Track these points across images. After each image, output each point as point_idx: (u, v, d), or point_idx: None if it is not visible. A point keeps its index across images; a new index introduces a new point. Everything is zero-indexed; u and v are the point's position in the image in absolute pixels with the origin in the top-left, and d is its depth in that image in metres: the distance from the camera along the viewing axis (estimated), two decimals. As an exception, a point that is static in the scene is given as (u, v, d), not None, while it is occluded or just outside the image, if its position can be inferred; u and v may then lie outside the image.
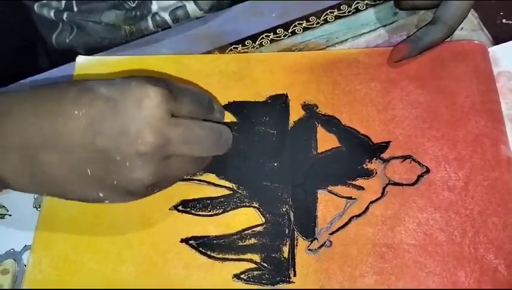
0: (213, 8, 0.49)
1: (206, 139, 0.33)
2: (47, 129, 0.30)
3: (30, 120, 0.30)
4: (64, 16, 0.51)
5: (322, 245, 0.35)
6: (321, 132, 0.38)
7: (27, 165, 0.31)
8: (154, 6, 0.50)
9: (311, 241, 0.35)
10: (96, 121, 0.30)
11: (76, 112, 0.30)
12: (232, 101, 0.40)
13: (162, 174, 0.32)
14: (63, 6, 0.51)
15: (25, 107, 0.31)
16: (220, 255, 0.35)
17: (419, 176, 0.36)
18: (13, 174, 0.31)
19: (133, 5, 0.50)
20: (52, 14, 0.52)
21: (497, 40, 0.41)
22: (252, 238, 0.35)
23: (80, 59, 0.43)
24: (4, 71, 0.45)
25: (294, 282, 0.34)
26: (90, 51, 0.52)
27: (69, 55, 0.54)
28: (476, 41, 0.40)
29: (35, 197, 0.38)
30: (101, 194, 0.32)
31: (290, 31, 0.44)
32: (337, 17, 0.44)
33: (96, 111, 0.30)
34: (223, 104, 0.40)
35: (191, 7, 0.48)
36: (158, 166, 0.31)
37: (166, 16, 0.49)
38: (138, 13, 0.50)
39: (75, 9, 0.51)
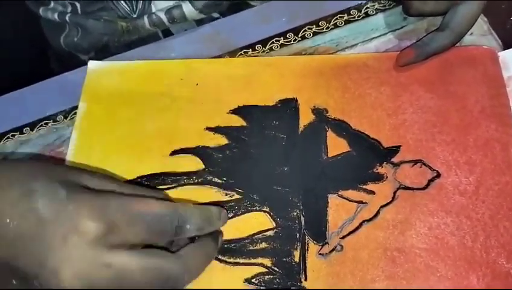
0: (208, 8, 0.49)
1: (143, 283, 0.28)
2: None
3: None
4: (67, 17, 0.52)
5: (333, 249, 0.35)
6: (331, 136, 0.39)
7: None
8: (153, 8, 0.50)
9: (322, 246, 0.35)
10: (22, 239, 0.28)
11: (8, 221, 0.28)
12: (241, 105, 0.41)
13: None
14: (69, 9, 0.52)
15: None
16: (231, 260, 0.35)
17: (430, 180, 0.36)
18: None
19: (135, 15, 0.50)
20: (56, 16, 0.52)
21: (507, 44, 0.41)
22: (263, 243, 0.35)
23: (91, 64, 0.44)
24: (17, 76, 0.46)
25: (305, 286, 0.34)
26: (95, 52, 0.53)
27: (77, 60, 0.55)
28: (486, 46, 0.41)
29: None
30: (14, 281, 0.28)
31: (300, 35, 0.44)
32: (347, 22, 0.44)
33: (26, 228, 0.28)
34: (232, 108, 0.40)
35: (186, 7, 0.49)
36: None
37: (162, 15, 0.49)
38: (137, 16, 0.51)
39: (80, 11, 0.51)
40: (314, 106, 0.40)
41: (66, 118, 0.42)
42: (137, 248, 0.29)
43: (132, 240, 0.29)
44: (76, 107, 0.42)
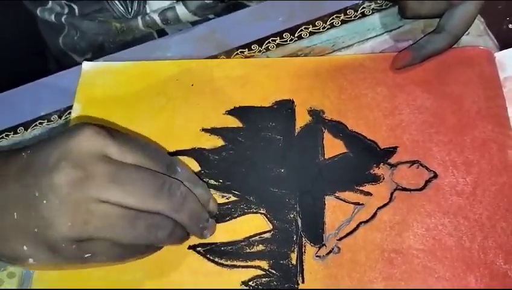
0: (201, 10, 0.49)
1: (143, 185, 0.28)
2: None
3: None
4: (63, 18, 0.51)
5: (330, 251, 0.34)
6: (328, 137, 0.38)
7: None
8: (148, 9, 0.50)
9: (319, 248, 0.35)
10: (30, 157, 0.29)
11: (23, 154, 0.29)
12: (237, 106, 0.40)
13: (85, 226, 0.27)
14: (66, 11, 0.52)
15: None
16: (228, 262, 0.35)
17: (427, 181, 0.36)
18: None
19: (130, 16, 0.50)
20: (53, 17, 0.52)
21: (503, 45, 0.41)
22: (260, 245, 0.35)
23: (86, 65, 0.43)
24: (11, 75, 0.45)
25: (302, 289, 0.33)
26: (92, 53, 0.53)
27: (75, 60, 0.55)
28: (482, 47, 0.41)
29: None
30: (25, 247, 0.28)
31: (296, 35, 0.44)
32: (343, 22, 0.44)
33: (36, 146, 0.29)
34: (228, 109, 0.40)
35: (180, 9, 0.48)
36: (78, 210, 0.27)
37: (156, 17, 0.49)
38: (132, 16, 0.50)
39: (77, 12, 0.51)
40: (310, 107, 0.40)
41: (60, 117, 0.42)
42: None
43: (129, 155, 0.29)
44: (71, 107, 0.41)
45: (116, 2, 0.49)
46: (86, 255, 0.29)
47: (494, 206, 0.35)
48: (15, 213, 0.28)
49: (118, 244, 0.29)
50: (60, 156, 0.27)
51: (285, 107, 0.40)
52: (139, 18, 0.49)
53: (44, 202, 0.27)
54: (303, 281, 0.34)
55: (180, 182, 0.31)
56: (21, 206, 0.28)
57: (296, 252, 0.35)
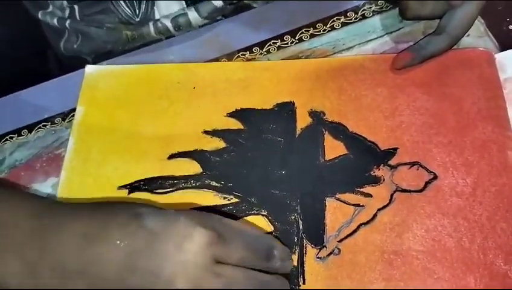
0: (213, 15, 0.49)
1: None
2: (86, 254, 0.28)
3: (73, 242, 0.29)
4: (67, 23, 0.51)
5: (330, 253, 0.35)
6: (328, 139, 0.39)
7: (58, 288, 0.28)
8: (157, 14, 0.50)
9: (320, 249, 0.35)
10: (132, 256, 0.28)
11: (118, 242, 0.28)
12: (239, 108, 0.41)
13: None
14: (67, 14, 0.52)
15: (72, 228, 0.29)
16: (229, 263, 0.35)
17: (427, 183, 0.36)
18: None
19: (137, 19, 0.50)
20: (55, 21, 0.52)
21: (504, 46, 0.41)
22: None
23: (89, 68, 0.44)
24: (16, 77, 0.46)
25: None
26: (97, 56, 0.53)
27: (79, 62, 0.55)
28: (482, 48, 0.41)
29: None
30: None
31: (297, 38, 0.44)
32: (344, 24, 0.44)
33: (137, 244, 0.28)
34: (229, 111, 0.41)
35: (192, 15, 0.49)
36: None
37: (168, 23, 0.49)
38: (140, 19, 0.50)
39: (78, 17, 0.51)
40: (311, 109, 0.40)
41: (64, 120, 0.43)
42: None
43: (234, 255, 0.29)
44: (74, 110, 0.42)
45: (122, 2, 0.50)
46: None
47: (494, 207, 0.35)
48: None
49: None
50: (173, 269, 0.27)
51: (286, 109, 0.40)
52: (151, 24, 0.49)
53: None
54: (304, 282, 0.34)
55: (284, 282, 0.32)
56: None
57: (297, 254, 0.35)
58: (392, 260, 0.34)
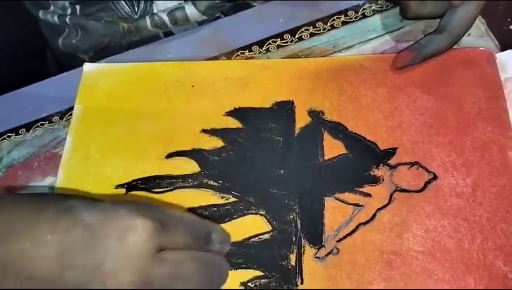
0: (211, 11, 0.49)
1: (196, 275, 0.29)
2: (12, 252, 0.27)
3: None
4: (67, 19, 0.51)
5: (329, 253, 0.34)
6: (327, 138, 0.38)
7: None
8: (154, 9, 0.50)
9: (319, 249, 0.35)
10: (68, 252, 0.27)
11: (49, 237, 0.27)
12: (238, 107, 0.40)
13: None
14: (68, 12, 0.52)
15: None
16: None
17: (427, 183, 0.36)
18: None
19: (136, 16, 0.50)
20: (56, 18, 0.52)
21: (504, 46, 0.41)
22: (259, 246, 0.35)
23: (87, 67, 0.44)
24: (14, 77, 0.46)
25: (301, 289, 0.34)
26: (95, 53, 0.53)
27: (76, 60, 0.55)
28: (483, 48, 0.40)
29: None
30: None
31: (296, 36, 0.44)
32: (344, 23, 0.44)
33: (72, 240, 0.27)
34: (228, 110, 0.40)
35: (189, 9, 0.48)
36: None
37: (165, 17, 0.49)
38: (139, 17, 0.50)
39: (79, 13, 0.51)
40: (310, 109, 0.40)
41: (62, 119, 0.42)
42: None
43: (177, 241, 0.29)
44: (72, 108, 0.42)
45: (122, 2, 0.50)
46: None
47: (494, 207, 0.34)
48: None
49: None
50: (116, 261, 0.27)
51: (285, 108, 0.40)
52: (148, 18, 0.49)
53: None
54: (302, 282, 0.34)
55: (224, 262, 0.33)
56: None
57: (295, 253, 0.35)
58: (392, 260, 0.34)
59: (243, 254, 0.35)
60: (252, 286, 0.34)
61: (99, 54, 0.52)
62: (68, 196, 0.31)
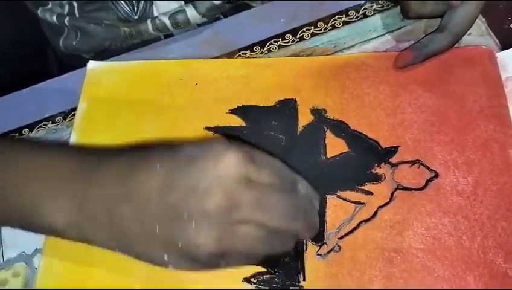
0: (211, 13, 0.49)
1: (283, 209, 0.30)
2: (129, 183, 0.30)
3: (117, 174, 0.30)
4: (66, 20, 0.52)
5: (331, 250, 0.35)
6: (330, 136, 0.39)
7: (106, 217, 0.30)
8: (155, 12, 0.50)
9: (321, 246, 0.35)
10: (172, 176, 0.29)
11: (158, 166, 0.29)
12: (240, 105, 0.41)
13: (229, 243, 0.29)
14: (66, 11, 0.52)
15: (114, 162, 0.31)
16: (230, 259, 0.35)
17: (428, 181, 0.36)
18: (92, 225, 0.30)
19: (136, 17, 0.50)
20: (54, 18, 0.52)
21: (505, 45, 0.41)
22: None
23: (91, 65, 0.44)
24: (16, 76, 0.46)
25: (303, 286, 0.34)
26: (96, 54, 0.53)
27: (78, 60, 0.55)
28: (484, 47, 0.41)
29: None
30: (165, 257, 0.29)
31: (298, 36, 0.44)
32: (345, 23, 0.44)
33: (175, 165, 0.29)
34: (231, 108, 0.41)
35: (190, 12, 0.49)
36: (224, 232, 0.28)
37: (166, 20, 0.49)
38: (138, 16, 0.50)
39: (77, 14, 0.51)
40: (313, 107, 0.40)
41: (65, 119, 0.43)
42: None
43: (264, 178, 0.30)
44: (75, 109, 0.42)
45: (122, 1, 0.50)
46: (222, 263, 0.30)
47: (495, 205, 0.35)
48: (157, 226, 0.29)
49: (252, 256, 0.31)
50: (210, 182, 0.28)
51: (288, 107, 0.40)
52: (149, 21, 0.49)
53: (193, 223, 0.28)
54: (304, 279, 0.34)
55: (311, 205, 0.32)
56: (165, 222, 0.29)
57: (297, 250, 0.35)
58: (392, 257, 0.34)
59: (246, 251, 0.35)
60: (254, 281, 0.34)
61: (101, 55, 0.52)
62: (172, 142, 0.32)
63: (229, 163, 0.29)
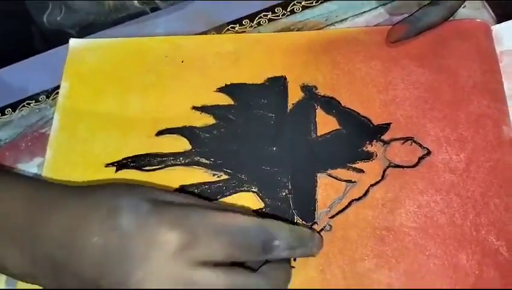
0: None
1: None
2: (70, 250, 0.28)
3: (60, 234, 0.28)
4: None
5: (322, 229, 0.34)
6: (320, 114, 0.38)
7: (52, 273, 0.29)
8: None
9: (311, 225, 0.34)
10: (107, 257, 0.27)
11: (96, 239, 0.27)
12: (229, 83, 0.40)
13: None
14: None
15: (61, 216, 0.29)
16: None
17: (420, 158, 0.35)
18: (43, 278, 0.29)
19: None
20: None
21: (500, 18, 0.40)
22: (251, 223, 0.35)
23: (73, 42, 0.42)
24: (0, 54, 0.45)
25: (294, 266, 0.33)
26: (81, 29, 0.52)
27: (63, 36, 0.53)
28: (479, 20, 0.40)
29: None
30: None
31: (288, 10, 0.43)
32: (337, -4, 0.43)
33: (111, 244, 0.27)
34: (219, 86, 0.39)
35: None
36: None
37: None
38: None
39: None
40: (303, 84, 0.39)
41: (48, 97, 0.41)
42: (221, 266, 0.28)
43: (216, 254, 0.27)
44: (59, 87, 0.41)
45: None
46: None
47: (488, 183, 0.34)
48: None
49: None
50: (143, 276, 0.26)
51: (278, 84, 0.39)
52: None
53: None
54: (295, 259, 0.34)
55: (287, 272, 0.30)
56: None
57: (287, 230, 0.34)
58: (384, 236, 0.33)
59: (235, 231, 0.35)
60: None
61: (85, 30, 0.51)
62: (120, 190, 0.30)
63: (163, 254, 0.26)
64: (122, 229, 0.27)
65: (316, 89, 0.39)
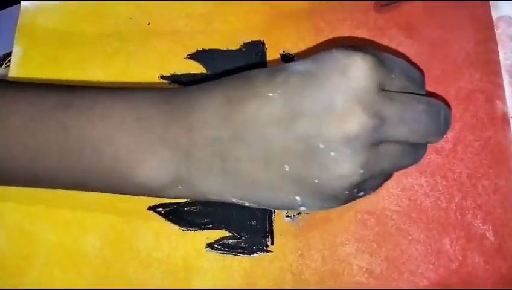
0: None
1: (426, 118, 0.26)
2: (238, 118, 0.25)
3: (219, 110, 0.26)
4: None
5: (300, 212, 0.32)
6: (301, 86, 0.35)
7: (218, 163, 0.26)
8: None
9: (289, 208, 0.32)
10: (293, 100, 0.24)
11: (270, 94, 0.25)
12: (200, 49, 0.36)
13: (373, 168, 0.25)
14: None
15: (213, 97, 0.26)
16: (192, 224, 0.32)
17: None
18: (203, 175, 0.27)
19: None
20: None
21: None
22: (226, 205, 0.33)
23: (25, 3, 0.37)
24: None
25: (272, 251, 0.32)
26: None
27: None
28: (475, -18, 0.36)
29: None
30: (297, 198, 0.26)
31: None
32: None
33: (293, 89, 0.25)
34: (190, 52, 0.36)
35: None
36: (370, 156, 0.25)
37: None
38: None
39: None
40: (283, 51, 0.36)
41: (0, 66, 0.37)
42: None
43: (396, 82, 0.26)
44: (11, 54, 0.36)
45: None
46: (359, 194, 0.27)
47: (476, 163, 0.32)
48: (286, 165, 0.25)
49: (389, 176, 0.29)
50: (345, 98, 0.24)
51: (255, 50, 0.36)
52: None
53: (333, 154, 0.24)
54: (272, 243, 0.32)
55: (445, 107, 0.28)
56: (295, 159, 0.25)
57: (265, 212, 0.32)
58: (366, 219, 0.32)
59: (209, 213, 0.33)
60: (218, 247, 0.32)
61: None
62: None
63: (360, 72, 0.24)
64: (300, 71, 0.26)
65: (298, 57, 0.35)
